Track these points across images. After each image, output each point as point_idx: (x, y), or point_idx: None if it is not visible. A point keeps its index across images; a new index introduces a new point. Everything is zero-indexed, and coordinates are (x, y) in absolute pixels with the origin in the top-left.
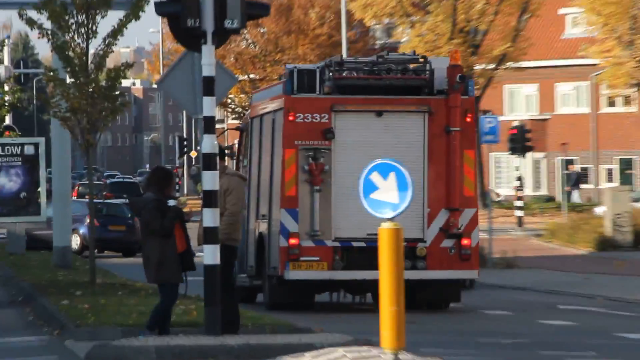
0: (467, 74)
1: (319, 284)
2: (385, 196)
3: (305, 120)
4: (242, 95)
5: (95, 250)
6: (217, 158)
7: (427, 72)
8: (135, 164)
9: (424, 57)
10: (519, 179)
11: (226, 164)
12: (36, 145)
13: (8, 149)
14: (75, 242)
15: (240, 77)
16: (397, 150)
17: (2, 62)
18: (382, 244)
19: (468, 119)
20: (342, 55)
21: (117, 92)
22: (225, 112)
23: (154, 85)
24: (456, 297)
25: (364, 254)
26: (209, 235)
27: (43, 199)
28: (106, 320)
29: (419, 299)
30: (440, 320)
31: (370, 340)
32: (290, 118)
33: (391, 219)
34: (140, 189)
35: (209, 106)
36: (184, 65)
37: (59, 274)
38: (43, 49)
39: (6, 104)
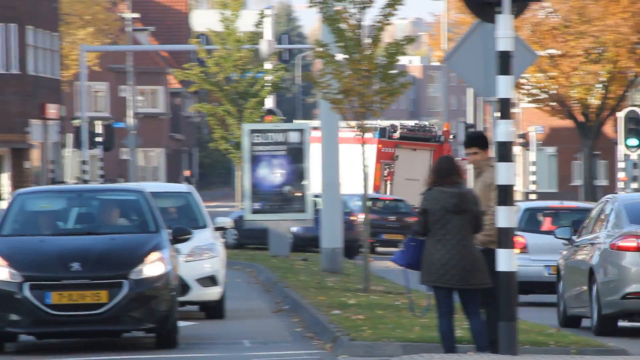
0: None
1: None
2: None
3: (385, 150)
4: (538, 75)
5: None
6: (512, 147)
7: (433, 133)
8: None
9: (434, 125)
10: None
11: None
12: (301, 132)
13: (270, 136)
14: None
15: (538, 53)
16: (420, 167)
17: (263, 37)
18: None
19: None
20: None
21: (395, 71)
22: (518, 94)
23: (434, 63)
24: None
25: None
26: (504, 238)
27: (309, 194)
28: (384, 334)
29: None
30: None
31: None
32: (380, 148)
33: None
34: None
35: (504, 86)
36: (475, 39)
37: (328, 279)
38: (308, 22)
39: (267, 84)
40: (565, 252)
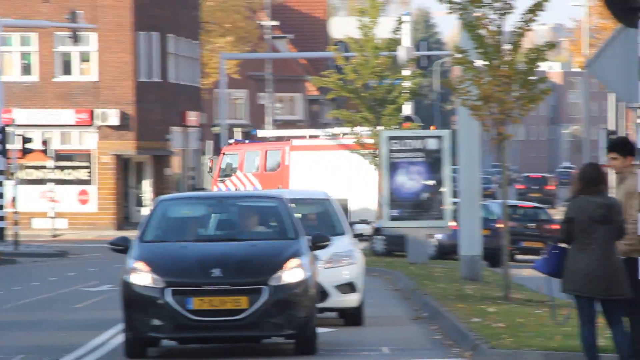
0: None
1: None
2: None
3: None
4: None
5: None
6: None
7: None
8: (551, 161)
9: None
10: None
11: (635, 161)
12: (440, 139)
13: (408, 143)
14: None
15: None
16: None
17: (401, 44)
18: None
19: None
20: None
21: (535, 77)
22: None
23: (574, 69)
24: None
25: None
26: None
27: (447, 201)
28: (525, 342)
29: None
30: None
31: None
32: None
33: None
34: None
35: None
36: (618, 45)
37: (467, 287)
38: (446, 28)
39: (405, 90)
40: None
